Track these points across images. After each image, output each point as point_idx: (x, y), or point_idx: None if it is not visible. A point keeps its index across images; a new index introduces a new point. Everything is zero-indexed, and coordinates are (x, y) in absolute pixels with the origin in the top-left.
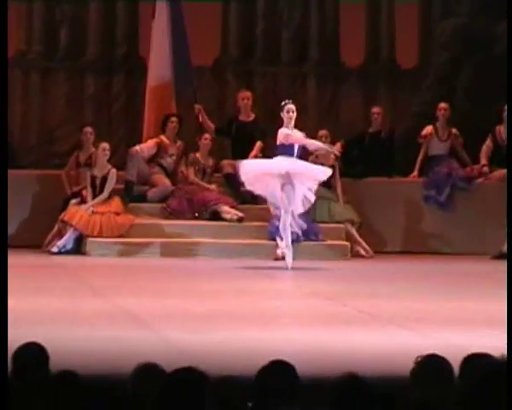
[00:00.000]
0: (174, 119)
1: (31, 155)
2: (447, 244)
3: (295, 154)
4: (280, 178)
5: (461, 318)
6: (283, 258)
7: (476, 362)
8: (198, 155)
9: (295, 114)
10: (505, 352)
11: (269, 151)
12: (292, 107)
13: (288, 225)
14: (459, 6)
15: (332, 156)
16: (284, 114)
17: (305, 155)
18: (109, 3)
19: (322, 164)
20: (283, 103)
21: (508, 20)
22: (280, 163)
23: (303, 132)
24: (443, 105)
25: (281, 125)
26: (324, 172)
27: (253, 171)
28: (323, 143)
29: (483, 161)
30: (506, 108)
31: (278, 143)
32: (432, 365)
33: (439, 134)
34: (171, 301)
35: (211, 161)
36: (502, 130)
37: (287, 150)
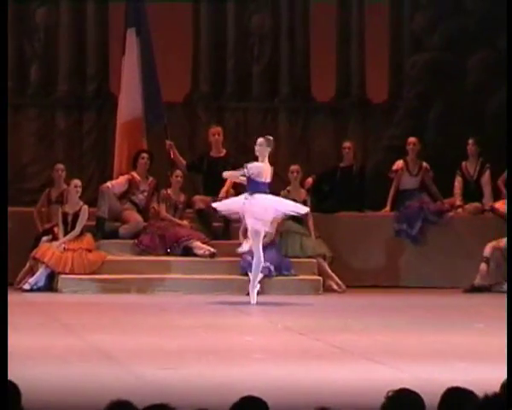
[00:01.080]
0: (145, 155)
1: None
2: (419, 278)
3: (266, 189)
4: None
5: (433, 352)
6: (256, 293)
7: (457, 397)
8: (169, 191)
9: (261, 147)
10: (486, 390)
11: (240, 187)
12: (260, 139)
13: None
14: (430, 40)
15: (303, 191)
16: (257, 149)
17: (277, 190)
18: (80, 40)
19: (294, 199)
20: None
21: (508, 25)
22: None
23: (275, 166)
24: (412, 139)
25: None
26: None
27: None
28: (295, 178)
29: (458, 201)
30: (471, 141)
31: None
32: (403, 399)
33: (410, 168)
34: (143, 338)
35: (182, 197)
36: (468, 165)
37: (259, 186)
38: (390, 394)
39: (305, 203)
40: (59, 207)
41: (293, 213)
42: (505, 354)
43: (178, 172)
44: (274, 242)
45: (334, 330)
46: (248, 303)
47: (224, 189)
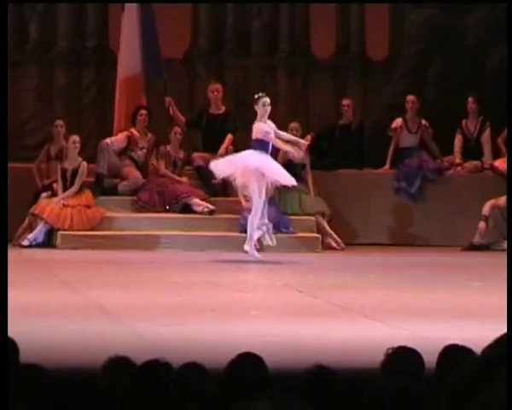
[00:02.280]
0: (143, 111)
1: None
2: (418, 236)
3: (270, 150)
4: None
5: (432, 309)
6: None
7: (455, 355)
8: (169, 147)
9: (270, 107)
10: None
11: (239, 144)
12: (267, 100)
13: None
14: None
15: (302, 148)
16: (259, 107)
17: (276, 149)
18: None
19: (293, 157)
20: (257, 96)
21: (508, 23)
22: (250, 158)
23: (275, 124)
24: (410, 97)
25: (255, 118)
26: (288, 179)
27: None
28: (294, 136)
29: (457, 159)
30: (470, 99)
31: (255, 137)
32: (402, 357)
33: (409, 126)
34: (141, 294)
35: (181, 154)
36: (468, 123)
37: (263, 146)
38: (389, 351)
39: (303, 161)
40: (58, 163)
41: (278, 184)
42: (505, 311)
43: (177, 128)
44: (272, 199)
45: (332, 288)
46: (247, 261)
47: (224, 145)
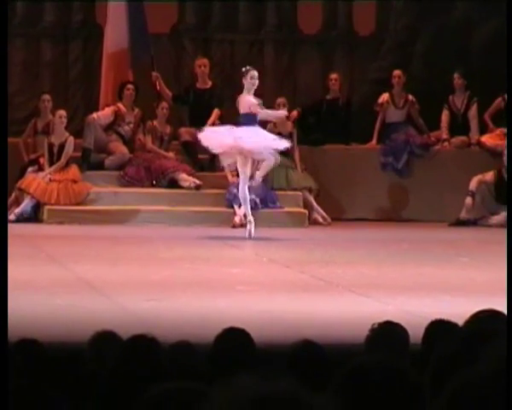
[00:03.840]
0: (130, 86)
1: None
2: (405, 211)
3: (257, 122)
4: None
5: (418, 285)
6: (241, 225)
7: (441, 330)
8: (155, 122)
9: (258, 81)
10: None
11: (226, 119)
12: (255, 73)
13: (246, 194)
14: None
15: (289, 123)
16: (247, 80)
17: (264, 123)
18: None
19: (280, 132)
20: (246, 69)
21: (507, 18)
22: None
23: (260, 99)
24: (397, 72)
25: (241, 92)
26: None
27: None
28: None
29: (444, 134)
30: (456, 75)
31: (243, 111)
32: (388, 332)
33: (396, 101)
34: (128, 269)
35: (168, 129)
36: (455, 99)
37: (251, 119)
38: (375, 326)
39: (291, 136)
40: (45, 137)
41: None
42: (505, 289)
43: (164, 103)
44: None
45: (319, 263)
46: (234, 236)
47: (211, 120)
